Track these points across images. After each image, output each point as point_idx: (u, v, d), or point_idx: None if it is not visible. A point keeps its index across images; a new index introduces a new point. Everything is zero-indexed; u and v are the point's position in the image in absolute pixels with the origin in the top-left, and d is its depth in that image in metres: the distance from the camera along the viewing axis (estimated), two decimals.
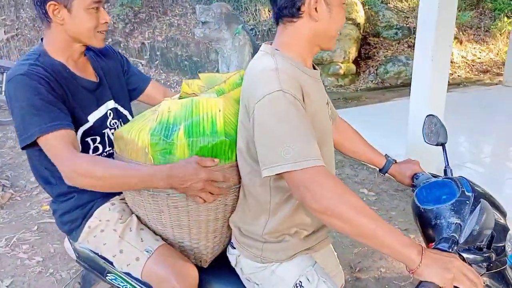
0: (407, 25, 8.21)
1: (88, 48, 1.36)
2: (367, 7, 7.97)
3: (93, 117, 1.31)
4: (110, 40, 7.37)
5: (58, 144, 1.09)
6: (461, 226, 0.97)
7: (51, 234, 2.80)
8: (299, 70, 1.04)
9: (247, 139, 1.03)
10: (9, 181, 3.60)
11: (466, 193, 1.08)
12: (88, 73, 1.34)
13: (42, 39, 1.29)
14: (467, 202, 1.05)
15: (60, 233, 2.75)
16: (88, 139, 1.30)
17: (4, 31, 7.17)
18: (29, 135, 1.09)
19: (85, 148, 1.29)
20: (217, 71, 6.54)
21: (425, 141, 1.39)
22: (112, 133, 1.33)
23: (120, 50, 7.23)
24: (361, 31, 7.46)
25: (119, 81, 1.47)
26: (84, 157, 1.13)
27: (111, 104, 1.39)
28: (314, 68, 1.14)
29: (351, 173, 3.71)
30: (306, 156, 0.89)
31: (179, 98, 1.21)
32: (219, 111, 1.11)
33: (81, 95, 1.28)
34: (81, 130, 1.28)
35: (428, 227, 1.10)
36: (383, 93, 6.76)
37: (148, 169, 1.06)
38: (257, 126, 0.95)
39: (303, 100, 0.98)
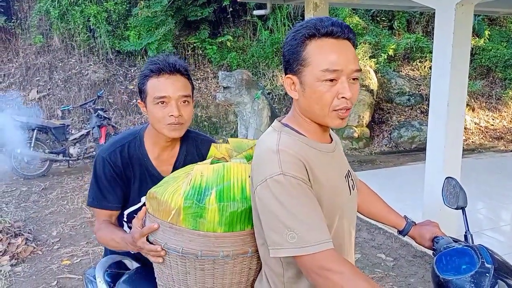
0: (419, 92, 8.49)
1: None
2: (379, 74, 8.32)
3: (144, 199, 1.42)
4: (135, 100, 7.79)
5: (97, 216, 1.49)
6: None
7: None
8: (306, 145, 1.03)
9: (256, 213, 1.03)
10: (32, 235, 3.68)
11: (486, 264, 1.07)
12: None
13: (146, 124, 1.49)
14: (487, 274, 1.05)
15: None
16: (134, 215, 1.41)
17: (37, 90, 7.68)
18: (89, 202, 1.48)
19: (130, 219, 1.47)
20: (235, 131, 6.79)
21: (445, 204, 1.38)
22: None
23: None
24: (374, 97, 7.74)
25: None
26: (99, 227, 1.45)
27: None
28: (332, 139, 1.14)
29: (368, 237, 3.69)
30: (311, 241, 0.89)
31: (211, 163, 1.27)
32: (249, 177, 1.15)
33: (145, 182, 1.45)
34: (131, 209, 1.49)
35: None
36: (397, 157, 6.85)
37: (121, 237, 1.32)
38: (261, 208, 0.96)
39: (308, 177, 0.97)
